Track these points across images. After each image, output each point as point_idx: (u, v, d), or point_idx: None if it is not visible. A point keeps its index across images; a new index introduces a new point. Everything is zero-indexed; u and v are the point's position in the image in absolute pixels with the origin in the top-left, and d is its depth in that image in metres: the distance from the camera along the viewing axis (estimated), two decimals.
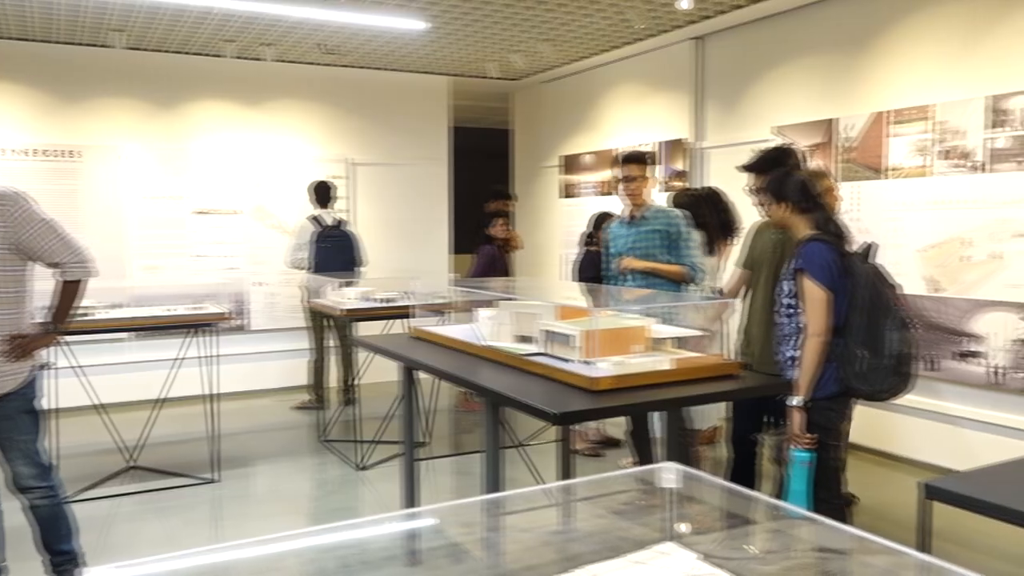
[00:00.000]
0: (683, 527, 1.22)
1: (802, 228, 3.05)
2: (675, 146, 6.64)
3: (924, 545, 1.84)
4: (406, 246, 7.91)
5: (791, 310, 3.02)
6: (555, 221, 8.27)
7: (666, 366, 2.77)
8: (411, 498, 3.77)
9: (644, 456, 4.30)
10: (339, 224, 6.44)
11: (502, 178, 9.03)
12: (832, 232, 3.00)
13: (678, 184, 6.47)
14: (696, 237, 4.14)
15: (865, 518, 3.89)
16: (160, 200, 6.94)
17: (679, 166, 6.59)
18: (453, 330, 3.67)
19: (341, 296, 5.28)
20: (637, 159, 4.12)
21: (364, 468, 5.03)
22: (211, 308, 5.01)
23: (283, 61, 7.29)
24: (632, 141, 7.12)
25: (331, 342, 6.58)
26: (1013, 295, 4.34)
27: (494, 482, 2.78)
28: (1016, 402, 4.39)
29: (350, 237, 6.41)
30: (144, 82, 6.88)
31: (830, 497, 2.97)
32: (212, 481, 4.77)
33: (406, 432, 3.75)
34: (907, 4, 4.92)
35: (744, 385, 2.82)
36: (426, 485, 4.59)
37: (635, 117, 7.19)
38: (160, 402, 5.30)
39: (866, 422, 5.10)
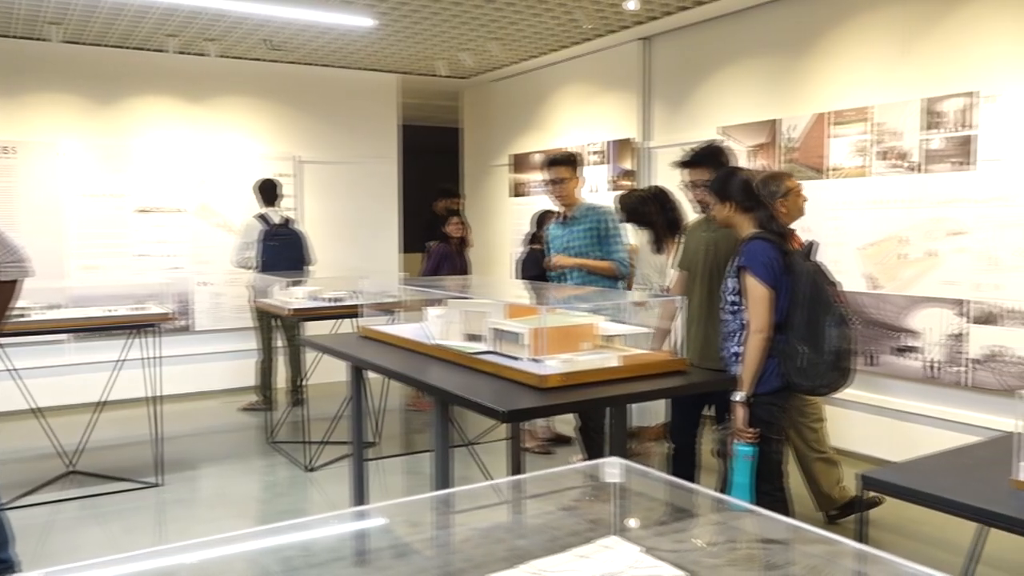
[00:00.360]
0: (628, 521, 1.24)
1: (746, 227, 3.10)
2: (623, 145, 6.70)
3: (861, 534, 1.89)
4: (355, 245, 7.84)
5: (735, 307, 3.07)
6: (505, 220, 8.29)
7: (614, 363, 2.80)
8: (360, 498, 3.75)
9: (594, 452, 4.33)
10: (287, 222, 6.36)
11: (452, 176, 9.01)
12: (774, 231, 3.06)
13: (626, 183, 6.53)
14: (623, 233, 4.18)
15: (808, 509, 3.98)
16: (100, 198, 6.77)
17: (627, 165, 6.66)
18: (402, 329, 3.66)
19: (289, 295, 5.22)
20: (561, 161, 4.18)
21: (313, 469, 4.98)
22: (154, 308, 4.91)
23: (228, 57, 7.17)
24: (581, 140, 7.17)
25: (279, 342, 6.50)
26: (947, 291, 4.49)
27: (444, 481, 2.78)
28: (950, 395, 4.54)
29: (298, 236, 6.34)
30: (83, 77, 6.70)
31: (772, 490, 3.03)
32: (155, 485, 4.67)
33: (355, 432, 3.72)
34: (846, 8, 5.05)
35: (690, 381, 2.87)
36: (376, 485, 4.57)
37: (584, 116, 7.24)
38: (101, 405, 5.17)
39: None
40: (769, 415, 2.99)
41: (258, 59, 7.30)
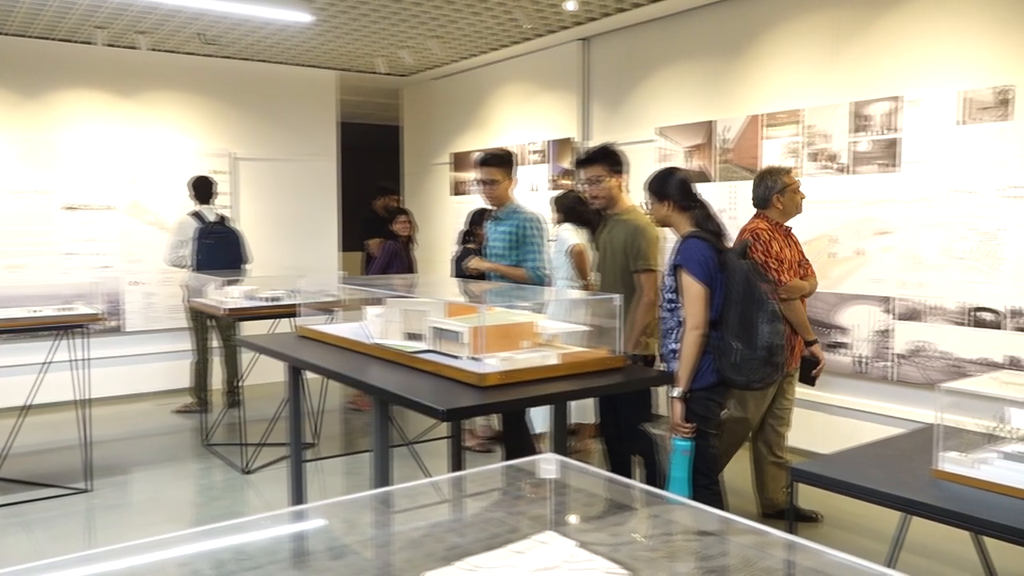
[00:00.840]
0: (564, 516, 1.25)
1: (683, 226, 3.16)
2: (563, 145, 6.75)
3: (792, 525, 1.94)
4: (293, 243, 7.73)
5: (672, 305, 3.13)
6: (445, 218, 8.26)
7: (553, 361, 2.82)
8: (298, 500, 3.70)
9: (515, 454, 4.32)
10: (222, 220, 6.23)
11: (392, 174, 8.95)
12: (710, 230, 3.12)
13: (566, 183, 6.58)
14: (542, 240, 4.13)
15: (740, 501, 4.07)
16: (25, 195, 6.53)
17: (567, 165, 6.70)
18: (341, 328, 3.62)
19: (224, 295, 5.11)
20: (491, 162, 4.12)
21: (250, 472, 4.89)
22: (82, 309, 4.75)
23: (160, 50, 6.99)
24: (521, 139, 7.20)
25: (214, 343, 6.37)
26: (875, 289, 4.64)
27: (383, 481, 2.76)
28: (878, 389, 4.69)
29: (234, 234, 6.22)
30: (6, 69, 6.45)
31: (709, 483, 3.10)
32: (84, 491, 4.53)
33: (293, 434, 3.67)
34: (779, 13, 5.17)
35: (629, 378, 2.91)
36: (314, 486, 4.51)
37: (524, 116, 7.27)
38: (26, 409, 4.99)
39: None
40: (705, 410, 3.06)
41: (192, 53, 7.13)
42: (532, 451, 4.25)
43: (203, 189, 6.24)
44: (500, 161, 4.13)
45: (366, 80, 8.30)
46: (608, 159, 3.75)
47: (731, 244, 3.28)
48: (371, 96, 9.25)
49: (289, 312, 4.82)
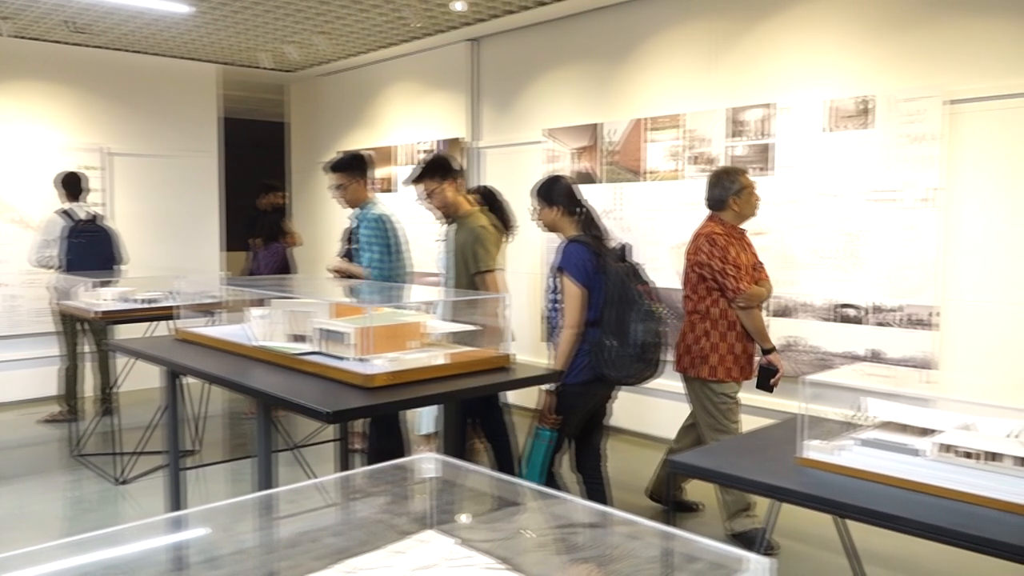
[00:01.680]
0: (444, 515, 1.26)
1: (568, 230, 3.30)
2: (452, 145, 6.76)
3: (671, 515, 2.02)
4: (172, 243, 7.42)
5: (558, 305, 3.24)
6: (334, 217, 8.11)
7: (441, 361, 2.83)
8: (176, 509, 3.56)
9: (383, 457, 4.32)
10: (94, 219, 5.92)
11: (278, 172, 8.73)
12: (592, 234, 3.25)
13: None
14: (376, 237, 4.23)
15: (626, 494, 4.19)
16: None
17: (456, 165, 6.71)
18: (223, 331, 3.51)
19: (96, 297, 4.86)
20: (335, 167, 4.27)
21: (125, 482, 4.67)
22: None
23: (24, 37, 6.57)
24: (410, 139, 7.16)
25: (86, 347, 6.04)
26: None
27: (266, 486, 2.69)
28: (753, 382, 4.90)
29: (107, 233, 5.91)
30: None
31: (589, 480, 3.36)
32: None
33: (170, 440, 3.53)
34: (660, 20, 5.35)
35: (516, 377, 2.94)
36: (196, 494, 4.35)
37: (413, 115, 7.23)
38: None
39: (631, 407, 5.47)
40: (574, 404, 3.19)
41: (60, 41, 6.74)
42: (401, 454, 4.25)
43: (72, 185, 5.91)
44: (344, 166, 4.26)
45: (250, 75, 8.06)
46: (434, 171, 3.87)
47: (613, 245, 3.40)
48: (255, 91, 8.99)
49: (167, 314, 4.63)
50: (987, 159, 4.01)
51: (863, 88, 4.39)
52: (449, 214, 3.96)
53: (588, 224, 3.31)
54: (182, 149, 7.53)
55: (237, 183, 8.42)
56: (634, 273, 3.22)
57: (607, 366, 3.11)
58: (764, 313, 4.75)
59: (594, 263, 3.17)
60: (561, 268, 3.19)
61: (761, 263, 3.90)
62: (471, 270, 3.77)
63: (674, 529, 1.14)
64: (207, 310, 4.54)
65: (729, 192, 3.74)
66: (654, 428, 5.44)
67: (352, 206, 4.30)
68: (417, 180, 3.93)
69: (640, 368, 3.14)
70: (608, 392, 3.38)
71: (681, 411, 5.48)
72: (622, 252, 3.27)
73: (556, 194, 3.35)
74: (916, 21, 4.23)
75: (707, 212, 3.85)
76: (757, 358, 3.83)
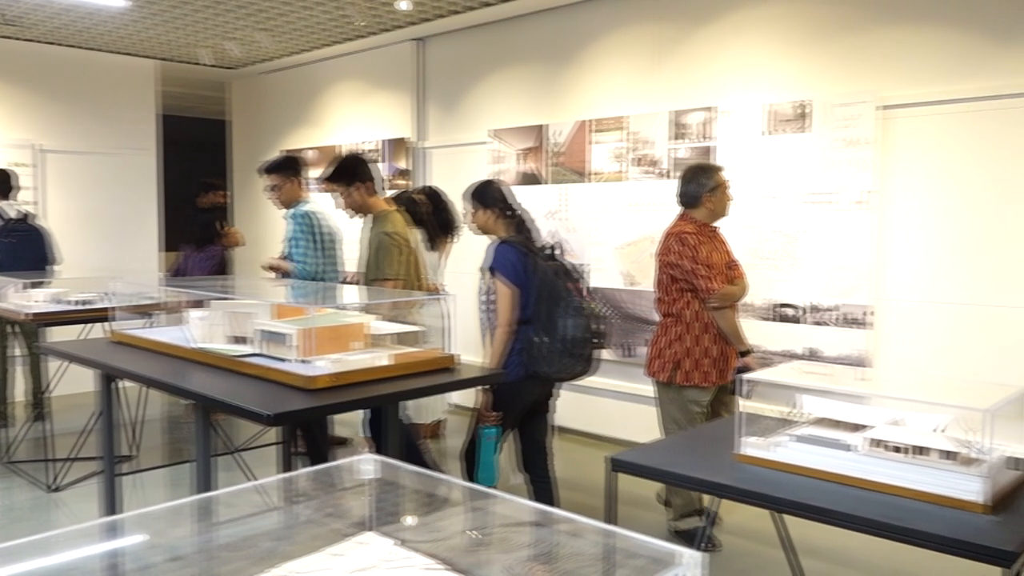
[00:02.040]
0: (383, 516, 1.25)
1: (502, 232, 3.41)
2: (398, 145, 6.72)
3: (611, 511, 2.04)
4: (108, 243, 7.22)
5: (492, 305, 3.30)
6: (277, 218, 7.98)
7: (385, 362, 2.81)
8: (111, 515, 3.47)
9: (317, 457, 4.30)
10: (25, 217, 5.73)
11: (220, 171, 8.56)
12: (523, 235, 3.39)
13: (402, 183, 6.55)
14: (301, 235, 4.27)
15: (571, 493, 4.22)
16: None
17: (402, 165, 6.68)
18: (160, 333, 3.44)
19: (27, 298, 4.70)
20: (268, 170, 4.37)
21: (58, 489, 4.53)
22: None
23: None
24: (356, 138, 7.10)
25: (16, 351, 5.84)
26: None
27: (205, 491, 2.64)
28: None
29: (39, 232, 5.73)
30: None
31: (537, 479, 3.37)
32: None
33: (106, 446, 3.44)
34: (605, 22, 5.40)
35: (460, 377, 2.94)
36: (132, 501, 4.24)
37: (358, 114, 7.17)
38: None
39: (576, 407, 5.52)
40: (511, 401, 3.28)
41: None
42: (326, 458, 4.22)
43: (1, 183, 5.71)
44: (277, 167, 4.35)
45: (190, 71, 7.89)
46: (340, 176, 3.88)
47: (544, 244, 3.49)
48: (196, 88, 8.81)
49: (102, 316, 4.51)
50: (917, 163, 4.15)
51: (801, 93, 4.50)
52: (365, 213, 3.96)
53: (520, 226, 3.42)
54: (118, 146, 7.34)
55: (177, 182, 8.24)
56: (565, 272, 3.29)
57: (538, 362, 3.18)
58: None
59: (524, 263, 3.25)
60: (492, 269, 3.28)
61: (736, 261, 3.81)
62: (372, 275, 3.80)
63: (613, 527, 1.15)
64: (144, 312, 4.43)
65: (704, 189, 3.67)
66: (601, 427, 5.49)
67: (287, 206, 4.33)
68: (327, 180, 3.95)
69: (571, 363, 3.21)
70: (545, 389, 3.42)
71: (623, 407, 5.53)
72: (553, 251, 3.34)
73: (489, 197, 3.46)
74: (851, 28, 4.35)
75: (679, 210, 3.77)
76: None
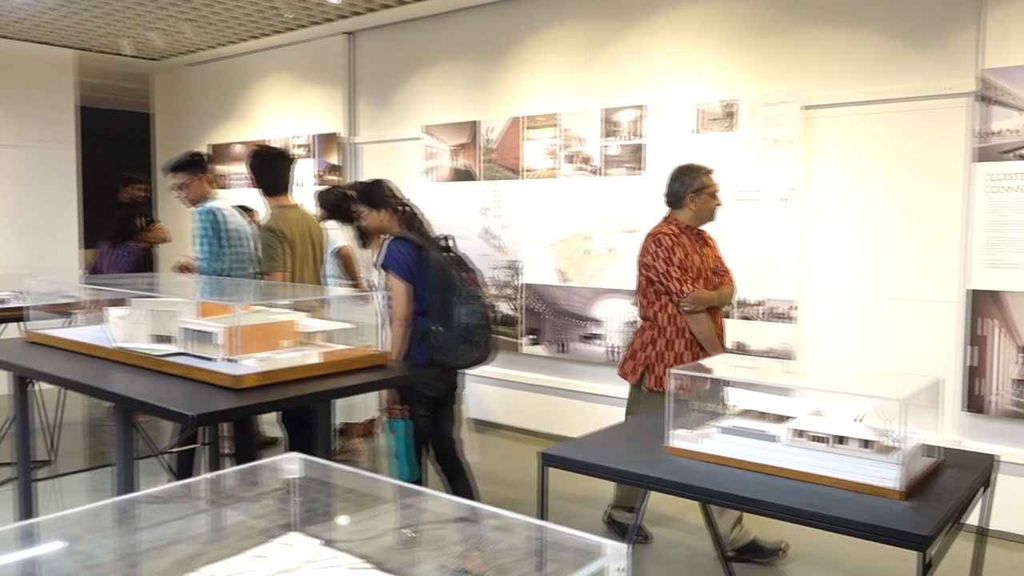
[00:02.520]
0: (308, 516, 1.23)
1: (394, 228, 3.50)
2: (329, 140, 6.62)
3: (543, 506, 2.05)
4: (23, 239, 6.93)
5: (389, 300, 3.35)
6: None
7: (315, 360, 2.76)
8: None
9: (244, 457, 4.25)
10: None
11: (144, 166, 8.30)
12: (415, 230, 3.48)
13: (332, 179, 6.46)
14: (206, 233, 4.23)
15: (503, 488, 4.22)
16: None
17: (333, 160, 6.59)
18: (79, 332, 3.32)
19: None
20: (173, 168, 4.33)
21: None
22: None
23: None
24: (285, 133, 6.97)
25: None
26: (624, 283, 4.99)
27: (126, 494, 2.56)
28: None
29: None
30: None
31: (449, 468, 3.49)
32: None
33: (20, 451, 3.30)
34: (538, 20, 5.41)
35: (391, 375, 2.91)
36: (49, 507, 4.08)
37: (288, 108, 7.04)
38: None
39: (509, 403, 5.54)
40: (414, 392, 3.34)
41: None
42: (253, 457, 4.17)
43: None
44: (183, 165, 4.32)
45: (111, 62, 7.62)
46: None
47: (437, 237, 3.53)
48: (118, 80, 8.52)
49: (17, 316, 4.33)
50: (837, 162, 4.28)
51: (728, 92, 4.59)
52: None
53: (411, 220, 3.51)
54: (35, 139, 7.04)
55: (99, 176, 7.95)
56: (458, 262, 3.36)
57: (436, 351, 3.23)
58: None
59: (416, 256, 3.32)
60: (384, 266, 3.34)
61: (725, 268, 3.68)
62: (261, 269, 4.07)
63: (539, 520, 1.16)
64: (62, 311, 4.27)
65: (688, 189, 3.56)
66: (535, 423, 5.51)
67: (195, 204, 4.25)
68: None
69: (468, 350, 3.25)
70: (447, 378, 3.45)
71: (556, 402, 5.56)
72: (447, 243, 3.40)
73: (378, 197, 3.53)
74: (776, 30, 4.46)
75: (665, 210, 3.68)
76: None
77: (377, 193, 3.54)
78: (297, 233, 4.10)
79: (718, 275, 3.63)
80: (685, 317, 3.51)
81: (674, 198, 3.62)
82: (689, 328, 3.52)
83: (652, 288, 3.59)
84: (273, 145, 5.79)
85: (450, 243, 3.39)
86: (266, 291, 3.66)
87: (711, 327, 3.54)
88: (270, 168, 4.16)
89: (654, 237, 3.58)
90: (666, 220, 3.66)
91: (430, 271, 3.27)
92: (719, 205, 3.63)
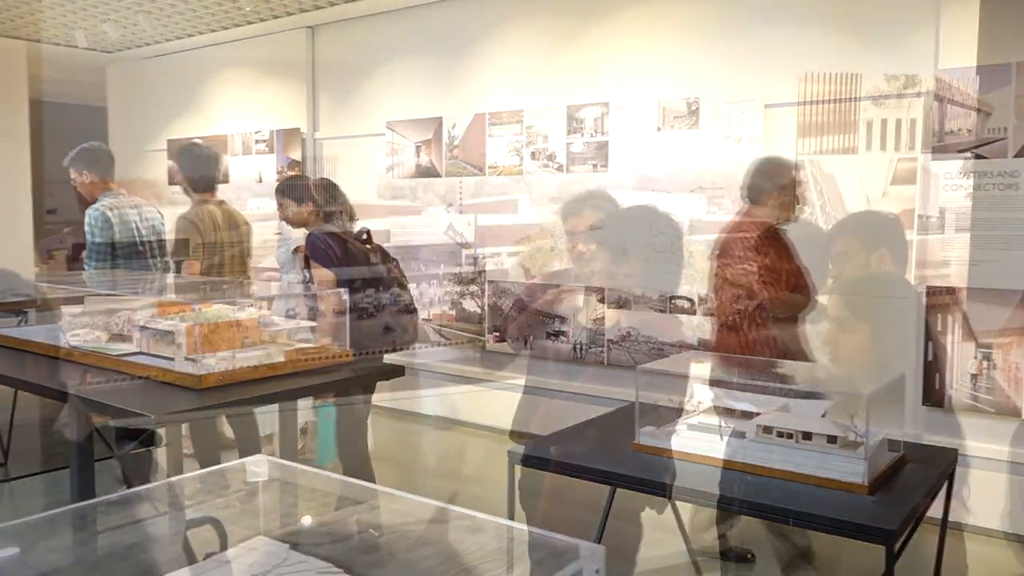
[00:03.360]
0: (275, 519, 1.20)
1: (317, 223, 3.62)
2: (290, 135, 6.53)
3: (512, 506, 2.04)
4: None
5: (312, 288, 3.45)
6: (163, 211, 7.65)
7: (279, 358, 2.72)
8: None
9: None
10: None
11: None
12: (338, 222, 3.60)
13: (293, 174, 6.37)
14: (94, 236, 4.13)
15: (471, 487, 4.20)
16: None
17: (295, 155, 6.50)
18: (33, 332, 3.23)
19: None
20: (68, 163, 4.28)
21: None
22: None
23: None
24: (245, 128, 6.86)
25: None
26: (590, 280, 5.00)
27: (84, 498, 2.49)
28: (593, 373, 5.06)
29: None
30: None
31: (356, 441, 3.56)
32: None
33: None
34: (502, 15, 5.39)
35: (355, 374, 2.88)
36: (3, 512, 3.98)
37: (248, 103, 6.93)
38: None
39: (474, 400, 5.51)
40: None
41: None
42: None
43: None
44: (72, 160, 4.25)
45: (64, 54, 7.43)
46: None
47: (357, 230, 3.67)
48: (72, 73, 8.31)
49: None
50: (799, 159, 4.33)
51: (691, 90, 4.62)
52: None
53: (332, 217, 3.62)
54: None
55: (53, 171, 7.75)
56: (381, 252, 3.53)
57: (362, 339, 3.28)
58: (602, 305, 4.93)
59: (338, 248, 3.44)
60: (309, 258, 3.46)
61: (805, 268, 3.27)
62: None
63: (512, 522, 1.14)
64: (15, 309, 4.17)
65: (770, 184, 3.22)
66: (504, 421, 5.49)
67: (88, 203, 4.14)
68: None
69: (391, 336, 3.41)
70: (372, 364, 3.49)
71: (527, 401, 5.55)
72: (368, 235, 3.56)
73: (306, 192, 3.67)
74: (739, 29, 4.49)
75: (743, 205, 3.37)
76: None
77: (299, 188, 3.70)
78: (217, 226, 4.22)
79: (796, 277, 3.27)
80: (772, 323, 3.15)
81: (754, 193, 3.25)
82: (774, 336, 3.18)
83: (730, 291, 3.20)
84: (199, 142, 5.69)
85: (369, 235, 3.56)
86: (187, 286, 3.78)
87: (799, 336, 3.24)
88: (195, 166, 4.23)
89: (734, 236, 3.18)
90: (745, 216, 3.28)
91: (352, 261, 3.41)
92: (803, 203, 3.35)
